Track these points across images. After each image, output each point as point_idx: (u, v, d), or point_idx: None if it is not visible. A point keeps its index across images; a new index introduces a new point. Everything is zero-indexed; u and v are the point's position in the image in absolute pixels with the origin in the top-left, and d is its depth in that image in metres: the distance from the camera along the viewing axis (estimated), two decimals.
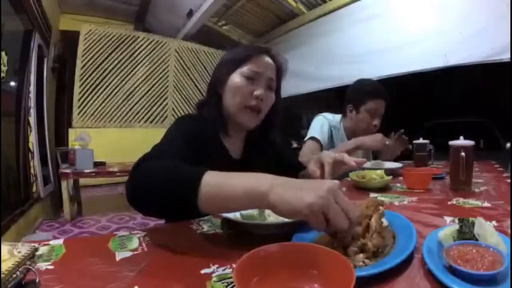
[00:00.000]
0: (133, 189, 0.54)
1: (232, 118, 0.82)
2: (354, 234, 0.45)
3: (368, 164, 1.34)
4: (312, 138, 1.47)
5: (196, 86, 4.75)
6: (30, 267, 0.40)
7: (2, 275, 0.36)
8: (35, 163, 2.80)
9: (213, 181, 0.47)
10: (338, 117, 1.59)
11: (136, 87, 4.33)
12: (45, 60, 3.27)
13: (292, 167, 0.97)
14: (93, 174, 2.62)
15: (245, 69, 0.79)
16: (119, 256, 0.48)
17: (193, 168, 0.50)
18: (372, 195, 0.91)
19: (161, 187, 0.50)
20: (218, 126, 0.83)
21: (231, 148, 0.86)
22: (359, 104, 1.46)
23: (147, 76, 4.40)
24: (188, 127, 0.78)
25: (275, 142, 0.97)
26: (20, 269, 0.39)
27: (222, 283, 0.39)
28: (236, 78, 0.80)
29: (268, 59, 0.82)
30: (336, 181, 0.44)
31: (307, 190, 0.41)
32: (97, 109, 4.03)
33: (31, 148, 2.74)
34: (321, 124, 1.51)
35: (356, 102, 1.48)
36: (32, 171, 2.71)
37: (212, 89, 0.85)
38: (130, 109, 4.30)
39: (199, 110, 0.89)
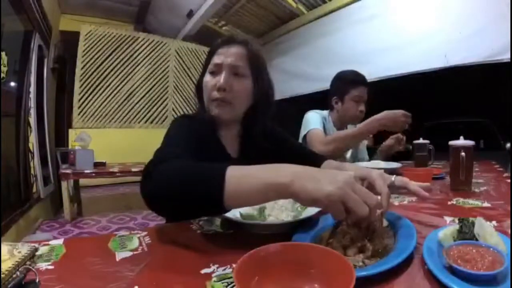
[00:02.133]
0: (154, 191, 0.52)
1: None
2: (354, 236, 0.45)
3: (368, 164, 1.34)
4: (315, 128, 1.46)
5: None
6: (30, 267, 0.40)
7: (2, 275, 0.36)
8: (35, 163, 2.80)
9: (237, 175, 0.47)
10: (325, 112, 1.63)
11: (136, 88, 4.34)
12: (45, 60, 3.28)
13: (307, 159, 0.92)
14: (93, 174, 2.62)
15: (210, 65, 0.80)
16: (119, 256, 0.48)
17: (214, 164, 0.50)
18: None
19: (186, 187, 0.49)
20: (210, 125, 0.83)
21: (228, 146, 0.85)
22: (343, 95, 1.51)
23: (147, 77, 4.41)
24: (187, 126, 0.78)
25: (271, 133, 0.94)
26: (20, 269, 0.39)
27: (222, 283, 0.39)
28: (205, 77, 0.81)
29: (230, 48, 0.79)
30: (351, 173, 0.45)
31: (326, 181, 0.43)
32: (97, 109, 4.04)
33: (31, 148, 2.75)
34: (317, 117, 1.53)
35: (339, 94, 1.53)
36: (32, 172, 2.71)
37: (197, 92, 0.87)
38: (130, 110, 4.30)
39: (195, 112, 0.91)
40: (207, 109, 0.81)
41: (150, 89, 4.44)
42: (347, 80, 1.52)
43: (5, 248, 0.43)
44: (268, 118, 0.90)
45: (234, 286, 0.38)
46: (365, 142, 1.77)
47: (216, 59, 0.79)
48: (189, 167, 0.52)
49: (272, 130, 0.95)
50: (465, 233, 0.44)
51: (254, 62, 0.82)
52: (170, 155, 0.59)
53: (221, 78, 0.77)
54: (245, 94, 0.81)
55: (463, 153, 0.89)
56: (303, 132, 1.50)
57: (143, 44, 4.39)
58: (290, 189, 0.43)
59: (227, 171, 0.47)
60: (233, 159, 0.85)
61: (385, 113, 1.28)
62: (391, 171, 1.17)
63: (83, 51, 3.94)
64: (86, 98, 3.97)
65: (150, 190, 0.53)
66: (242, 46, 0.81)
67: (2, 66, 2.03)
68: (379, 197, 0.56)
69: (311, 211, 0.59)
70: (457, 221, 0.47)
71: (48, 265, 0.45)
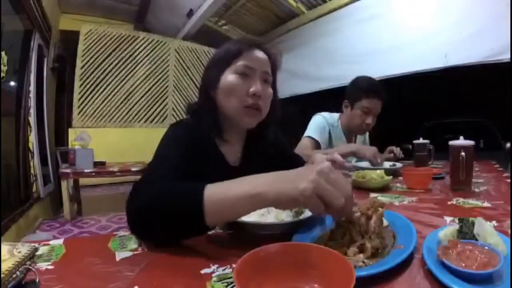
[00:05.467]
0: (136, 222, 0.53)
1: (231, 121, 0.77)
2: (353, 235, 0.45)
3: (368, 164, 1.34)
4: (309, 137, 1.48)
5: (196, 86, 4.75)
6: (30, 267, 0.40)
7: (2, 275, 0.36)
8: (35, 163, 2.80)
9: (214, 195, 0.47)
10: (336, 115, 1.61)
11: (136, 87, 4.33)
12: (45, 60, 3.27)
13: (291, 162, 0.89)
14: (93, 174, 2.62)
15: (237, 65, 0.73)
16: (119, 256, 0.48)
17: (192, 186, 0.50)
18: (372, 195, 0.91)
19: (165, 217, 0.49)
20: (214, 133, 0.77)
21: (228, 154, 0.80)
22: (354, 101, 1.48)
23: (147, 76, 4.40)
24: (182, 135, 0.73)
25: (276, 140, 0.91)
26: (20, 269, 0.39)
27: (222, 283, 0.39)
28: (228, 77, 0.74)
29: (260, 53, 0.76)
30: (327, 163, 0.45)
31: (299, 179, 0.43)
32: (97, 109, 4.03)
33: (31, 148, 2.74)
34: (320, 124, 1.52)
35: (351, 99, 1.50)
36: (32, 171, 2.71)
37: (204, 92, 0.79)
38: (130, 109, 4.30)
39: (191, 116, 0.83)
40: (231, 112, 0.75)
41: (150, 88, 4.44)
42: (362, 88, 1.46)
43: (5, 248, 0.43)
44: (276, 120, 0.87)
45: (234, 286, 0.38)
46: (368, 140, 1.77)
47: (249, 62, 0.74)
48: (166, 195, 0.51)
49: (277, 138, 0.92)
50: (465, 233, 0.44)
51: (274, 69, 0.81)
52: (150, 178, 0.58)
53: (257, 84, 0.73)
54: (269, 102, 0.79)
55: (463, 153, 0.88)
56: (305, 134, 1.52)
57: (143, 44, 4.39)
58: (267, 197, 0.44)
59: (205, 193, 0.47)
60: (233, 167, 0.80)
61: None
62: (391, 171, 1.18)
63: (83, 50, 3.93)
64: (86, 98, 3.96)
65: (133, 221, 0.53)
66: (266, 51, 0.78)
67: (2, 66, 2.03)
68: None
69: None
70: (457, 221, 0.48)
71: (48, 265, 0.45)
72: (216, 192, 0.48)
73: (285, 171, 0.47)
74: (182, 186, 0.52)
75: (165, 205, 0.49)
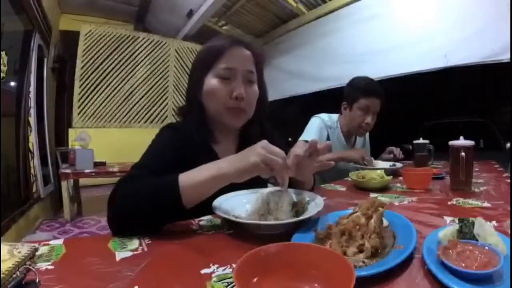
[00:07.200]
0: (116, 219, 0.58)
1: (218, 121, 0.77)
2: (352, 234, 0.46)
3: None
4: (305, 140, 1.47)
5: None
6: (30, 267, 0.40)
7: (2, 275, 0.36)
8: (35, 163, 2.80)
9: (188, 181, 0.57)
10: (335, 117, 1.59)
11: (136, 87, 4.34)
12: (45, 60, 3.28)
13: None
14: (93, 174, 2.62)
15: (218, 68, 0.73)
16: (119, 256, 0.48)
17: (167, 177, 0.58)
18: (372, 195, 0.91)
19: (146, 207, 0.55)
20: (204, 134, 0.77)
21: (223, 154, 0.78)
22: (352, 102, 1.47)
23: (147, 76, 4.41)
24: (169, 139, 0.74)
25: (270, 139, 0.91)
26: (20, 269, 0.39)
27: (222, 283, 0.39)
28: (210, 80, 0.74)
29: (241, 51, 0.75)
30: (264, 140, 0.59)
31: (249, 155, 0.57)
32: (97, 109, 4.04)
33: (31, 148, 2.74)
34: (317, 127, 1.51)
35: (349, 100, 1.49)
36: (32, 171, 2.71)
37: (191, 95, 0.79)
38: (130, 109, 4.30)
39: (182, 117, 0.84)
40: (215, 114, 0.76)
41: (150, 88, 4.44)
42: (358, 88, 1.46)
43: (5, 248, 0.43)
44: (265, 117, 0.87)
45: (234, 286, 0.38)
46: (368, 142, 1.77)
47: (230, 63, 0.73)
48: (146, 189, 0.57)
49: (272, 134, 0.91)
50: (465, 233, 0.44)
51: (260, 66, 0.81)
52: (129, 176, 0.63)
53: (239, 86, 0.73)
54: (255, 100, 0.79)
55: (463, 153, 0.88)
56: (301, 137, 1.51)
57: (143, 44, 4.39)
58: (229, 174, 0.56)
59: (179, 181, 0.56)
60: None
61: None
62: (391, 171, 1.18)
63: (83, 50, 3.94)
64: (86, 98, 3.97)
65: (113, 218, 0.58)
66: (249, 48, 0.77)
67: (2, 66, 2.03)
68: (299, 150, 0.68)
69: (311, 211, 0.59)
70: (457, 221, 0.47)
71: (48, 265, 0.45)
72: (189, 179, 0.57)
73: (238, 153, 0.59)
74: (158, 179, 0.59)
75: (146, 197, 0.56)
